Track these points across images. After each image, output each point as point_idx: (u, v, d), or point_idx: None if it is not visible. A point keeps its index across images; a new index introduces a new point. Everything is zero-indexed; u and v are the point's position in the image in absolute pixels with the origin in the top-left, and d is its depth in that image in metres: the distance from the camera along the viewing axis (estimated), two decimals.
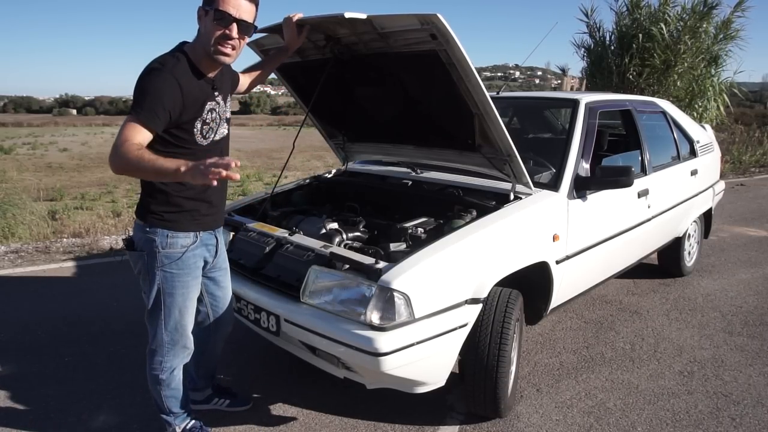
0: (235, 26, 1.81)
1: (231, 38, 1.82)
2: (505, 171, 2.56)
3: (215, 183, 1.52)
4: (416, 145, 2.88)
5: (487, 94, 2.21)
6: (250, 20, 1.85)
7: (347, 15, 2.08)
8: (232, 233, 2.66)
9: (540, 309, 2.70)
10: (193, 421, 2.21)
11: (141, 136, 1.70)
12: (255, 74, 2.40)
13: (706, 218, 4.52)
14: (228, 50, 1.84)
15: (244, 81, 2.34)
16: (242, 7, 1.81)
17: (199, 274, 2.05)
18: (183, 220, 1.94)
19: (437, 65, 2.19)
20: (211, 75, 1.91)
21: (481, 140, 2.50)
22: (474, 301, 2.14)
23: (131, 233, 2.01)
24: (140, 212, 1.96)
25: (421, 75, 2.38)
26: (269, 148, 23.09)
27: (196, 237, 1.99)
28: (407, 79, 2.48)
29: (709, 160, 4.37)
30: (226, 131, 2.05)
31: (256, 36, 2.45)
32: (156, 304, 1.97)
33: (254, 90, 2.85)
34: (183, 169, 1.55)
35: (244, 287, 2.34)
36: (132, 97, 1.77)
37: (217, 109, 1.95)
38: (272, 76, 2.68)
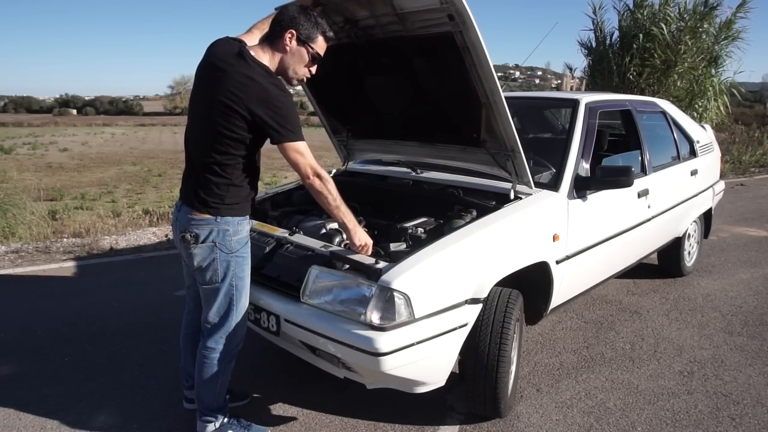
0: (315, 67, 2.05)
1: (309, 76, 2.06)
2: (508, 168, 2.56)
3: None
4: (420, 141, 2.88)
5: (498, 83, 2.22)
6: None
7: None
8: None
9: (540, 309, 2.71)
10: (226, 417, 2.24)
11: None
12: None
13: (706, 218, 4.52)
14: (298, 83, 2.11)
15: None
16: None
17: None
18: (245, 203, 2.07)
19: (451, 49, 2.22)
20: None
21: (486, 134, 2.50)
22: (474, 301, 2.15)
23: (189, 231, 1.99)
24: (208, 207, 1.97)
25: (433, 60, 2.40)
26: (269, 148, 23.00)
27: (250, 220, 2.14)
28: (419, 66, 2.50)
29: (709, 160, 4.37)
30: None
31: None
32: (229, 290, 2.06)
33: None
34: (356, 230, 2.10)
35: None
36: (278, 118, 1.87)
37: None
38: None
